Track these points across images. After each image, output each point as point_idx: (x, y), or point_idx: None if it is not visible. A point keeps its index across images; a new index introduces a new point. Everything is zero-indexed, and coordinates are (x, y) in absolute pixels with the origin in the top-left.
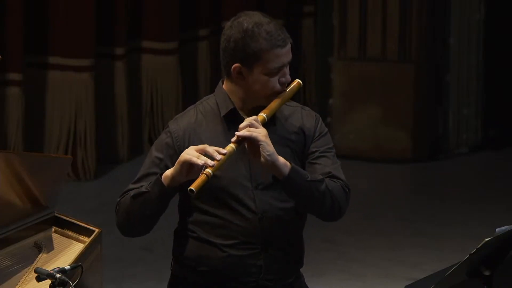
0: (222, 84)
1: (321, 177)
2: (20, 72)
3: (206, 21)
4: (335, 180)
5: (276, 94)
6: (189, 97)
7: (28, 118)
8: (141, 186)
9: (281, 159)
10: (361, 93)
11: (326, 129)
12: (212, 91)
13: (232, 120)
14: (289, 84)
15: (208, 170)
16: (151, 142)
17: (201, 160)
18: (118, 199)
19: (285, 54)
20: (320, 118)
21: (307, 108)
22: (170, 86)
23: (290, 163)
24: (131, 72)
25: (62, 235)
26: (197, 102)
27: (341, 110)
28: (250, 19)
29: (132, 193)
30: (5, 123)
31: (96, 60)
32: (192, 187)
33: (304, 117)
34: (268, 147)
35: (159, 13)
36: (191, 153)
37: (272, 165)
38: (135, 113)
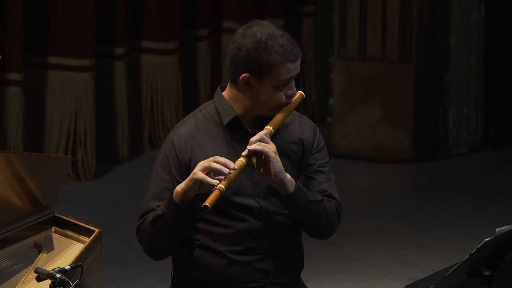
0: (222, 91)
1: (320, 197)
2: (20, 72)
3: (206, 21)
4: (330, 200)
5: (281, 106)
6: (189, 97)
7: (28, 118)
8: (157, 206)
9: (288, 176)
10: (361, 93)
11: (323, 141)
12: (212, 91)
13: (234, 129)
14: (292, 96)
15: (221, 186)
16: (151, 142)
17: (214, 179)
18: (138, 224)
19: (295, 68)
20: (318, 129)
21: (304, 116)
22: (170, 86)
23: (296, 181)
24: (131, 72)
25: (62, 235)
26: (195, 110)
27: (341, 110)
28: (264, 30)
29: (150, 218)
30: (5, 123)
31: (96, 60)
32: (207, 203)
33: (302, 127)
34: (278, 164)
35: (159, 13)
36: (202, 171)
37: (280, 181)
38: (135, 113)
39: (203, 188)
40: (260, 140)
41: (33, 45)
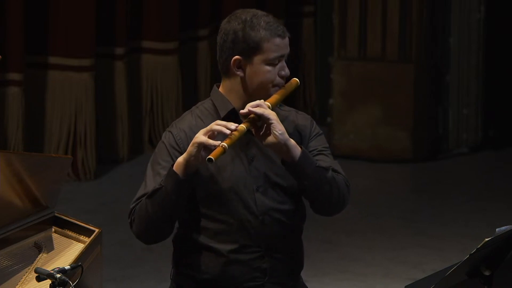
0: (218, 88)
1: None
2: (20, 72)
3: (206, 21)
4: (336, 173)
5: (276, 87)
6: (189, 97)
7: (28, 118)
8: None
9: (292, 141)
10: (361, 93)
11: (321, 131)
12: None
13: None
14: (287, 80)
15: (224, 144)
16: (151, 142)
17: (215, 141)
18: (131, 206)
19: (284, 45)
20: (314, 121)
21: (301, 112)
22: (170, 86)
23: (301, 147)
24: (131, 72)
25: (62, 235)
26: (192, 108)
27: (341, 110)
28: (248, 12)
29: (146, 196)
30: (5, 123)
31: (96, 60)
32: (211, 156)
33: (299, 119)
34: (279, 125)
35: (159, 13)
36: (204, 135)
37: (284, 145)
38: (135, 113)
39: (205, 156)
40: (258, 106)
41: (33, 45)
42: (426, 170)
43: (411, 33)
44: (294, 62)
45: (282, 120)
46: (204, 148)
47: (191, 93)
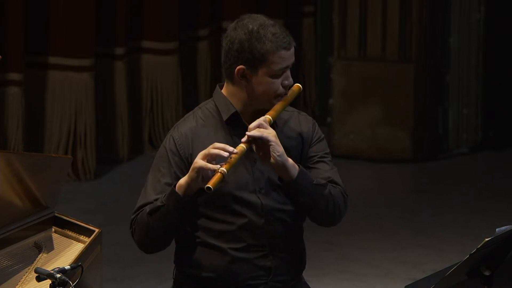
0: (220, 89)
1: (324, 181)
2: (20, 72)
3: (206, 21)
4: (334, 185)
5: (279, 97)
6: (189, 97)
7: (28, 118)
8: (156, 200)
9: (290, 161)
10: (361, 93)
11: (323, 135)
12: (212, 91)
13: (234, 125)
14: (290, 88)
15: (223, 169)
16: (151, 142)
17: (214, 164)
18: (132, 217)
19: (289, 56)
20: (316, 123)
21: (303, 113)
22: (170, 86)
23: (299, 166)
24: (131, 72)
25: (62, 235)
26: (195, 108)
27: (341, 110)
28: (255, 21)
29: (147, 209)
30: (5, 123)
31: (96, 60)
32: (209, 185)
33: (301, 122)
34: (278, 147)
35: (159, 13)
36: (202, 159)
37: (282, 166)
38: (135, 113)
39: (205, 179)
40: (259, 126)
41: (33, 45)
42: (426, 170)
43: (411, 33)
44: (294, 62)
45: (284, 122)
46: (205, 172)
47: (191, 93)
